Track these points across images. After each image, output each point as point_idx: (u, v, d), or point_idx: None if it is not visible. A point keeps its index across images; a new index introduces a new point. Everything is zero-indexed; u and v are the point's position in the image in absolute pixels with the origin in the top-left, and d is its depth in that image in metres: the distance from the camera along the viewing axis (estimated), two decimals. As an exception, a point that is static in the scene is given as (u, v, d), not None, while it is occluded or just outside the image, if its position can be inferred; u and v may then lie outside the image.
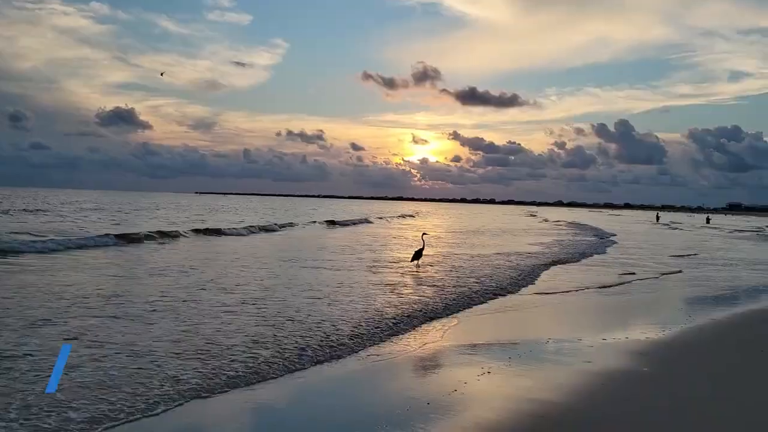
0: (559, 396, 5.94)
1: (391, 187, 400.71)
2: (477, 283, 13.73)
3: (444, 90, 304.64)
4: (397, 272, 15.24)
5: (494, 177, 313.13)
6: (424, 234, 18.94)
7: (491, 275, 15.17)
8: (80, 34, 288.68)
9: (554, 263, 18.96)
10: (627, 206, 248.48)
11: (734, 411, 5.71)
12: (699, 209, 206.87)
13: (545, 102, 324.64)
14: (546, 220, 65.40)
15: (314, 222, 41.83)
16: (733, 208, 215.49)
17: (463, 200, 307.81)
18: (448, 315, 10.09)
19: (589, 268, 18.12)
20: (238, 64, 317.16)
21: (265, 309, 9.58)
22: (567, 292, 13.30)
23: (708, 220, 75.62)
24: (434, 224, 49.96)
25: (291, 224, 37.51)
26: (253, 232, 29.91)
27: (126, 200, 79.81)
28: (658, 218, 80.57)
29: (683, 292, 14.12)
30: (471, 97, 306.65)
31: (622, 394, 6.17)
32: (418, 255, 16.63)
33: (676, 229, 54.41)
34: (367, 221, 48.78)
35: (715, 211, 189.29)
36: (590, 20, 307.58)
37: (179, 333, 7.75)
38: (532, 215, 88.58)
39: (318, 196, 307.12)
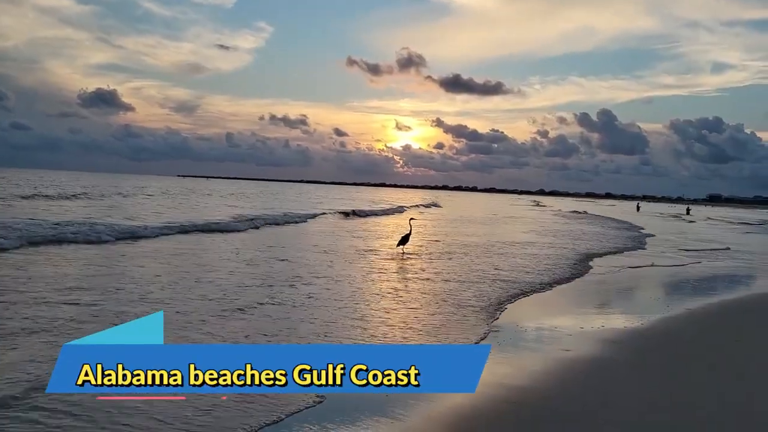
0: (535, 383, 6.13)
1: (374, 173, 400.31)
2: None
3: (428, 77, 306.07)
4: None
5: (477, 165, 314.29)
6: (411, 219, 19.07)
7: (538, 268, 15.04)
8: (62, 14, 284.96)
9: (598, 255, 18.89)
10: (608, 196, 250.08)
11: (712, 401, 5.91)
12: (679, 200, 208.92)
13: (529, 90, 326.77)
14: (559, 211, 62.88)
15: (352, 210, 39.51)
16: (713, 200, 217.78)
17: (445, 187, 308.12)
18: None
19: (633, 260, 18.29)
20: (222, 47, 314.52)
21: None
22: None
23: (688, 211, 76.38)
24: (463, 213, 49.13)
25: (331, 212, 36.74)
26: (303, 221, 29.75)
27: (120, 183, 76.29)
28: (638, 208, 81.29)
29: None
30: (455, 84, 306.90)
31: (594, 382, 6.36)
32: (404, 240, 16.62)
33: (683, 220, 53.86)
34: (400, 210, 46.69)
35: (695, 202, 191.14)
36: (575, 9, 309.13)
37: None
38: (538, 205, 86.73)
39: (301, 182, 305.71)
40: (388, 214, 40.86)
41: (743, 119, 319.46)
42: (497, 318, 9.10)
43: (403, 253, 16.53)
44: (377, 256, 15.97)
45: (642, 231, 33.07)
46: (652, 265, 16.95)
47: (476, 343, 7.60)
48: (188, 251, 15.28)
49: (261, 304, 9.14)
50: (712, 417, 5.46)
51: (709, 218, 63.04)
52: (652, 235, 29.79)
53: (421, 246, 18.99)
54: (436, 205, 65.02)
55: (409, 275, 13.00)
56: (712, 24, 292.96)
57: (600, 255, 18.94)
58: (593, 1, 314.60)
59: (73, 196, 36.04)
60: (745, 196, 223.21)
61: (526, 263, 15.64)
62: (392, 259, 15.60)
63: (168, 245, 16.19)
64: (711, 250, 23.40)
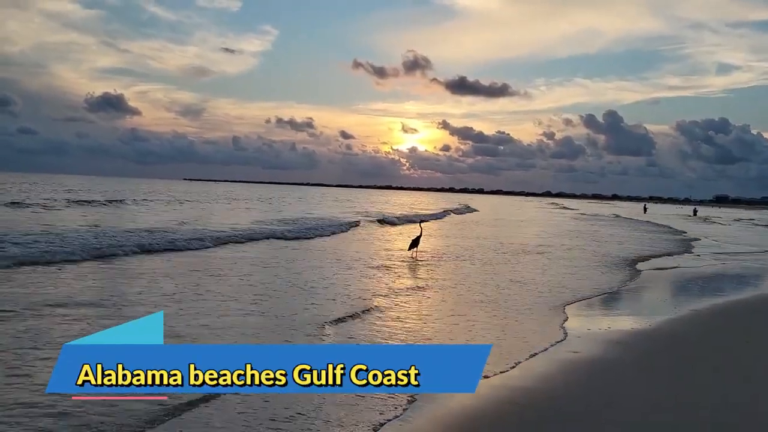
0: (540, 384, 6.13)
1: (380, 175, 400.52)
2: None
3: (434, 79, 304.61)
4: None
5: (483, 167, 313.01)
6: (421, 221, 18.97)
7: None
8: (68, 19, 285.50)
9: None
10: (615, 197, 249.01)
11: (717, 402, 5.88)
12: (686, 201, 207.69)
13: (534, 92, 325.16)
14: (584, 215, 60.36)
15: (397, 217, 37.11)
16: (720, 201, 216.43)
17: (452, 189, 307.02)
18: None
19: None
20: (227, 50, 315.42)
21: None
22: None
23: (695, 212, 76.03)
24: (499, 216, 48.82)
25: (372, 218, 35.02)
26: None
27: (143, 188, 75.45)
28: (645, 210, 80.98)
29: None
30: (461, 86, 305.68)
31: (598, 383, 6.35)
32: (415, 243, 16.41)
33: (715, 223, 53.06)
34: (441, 216, 44.63)
35: (702, 203, 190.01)
36: (579, 10, 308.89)
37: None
38: (563, 208, 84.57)
39: (307, 184, 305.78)
40: (433, 219, 39.61)
41: (749, 120, 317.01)
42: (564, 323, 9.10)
43: (415, 256, 16.28)
44: (459, 262, 16.11)
45: (685, 235, 32.30)
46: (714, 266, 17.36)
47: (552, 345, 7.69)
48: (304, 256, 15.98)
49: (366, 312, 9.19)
50: (716, 417, 5.44)
51: (735, 220, 62.49)
52: (698, 239, 29.32)
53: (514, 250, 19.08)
54: (470, 208, 63.21)
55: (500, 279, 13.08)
56: (717, 25, 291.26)
57: (646, 258, 18.96)
58: (597, 2, 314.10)
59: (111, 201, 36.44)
60: (752, 197, 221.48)
61: (583, 267, 15.82)
62: (473, 264, 15.60)
63: (269, 250, 16.84)
64: (760, 252, 23.39)
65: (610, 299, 11.50)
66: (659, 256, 19.95)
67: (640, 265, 16.79)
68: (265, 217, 29.95)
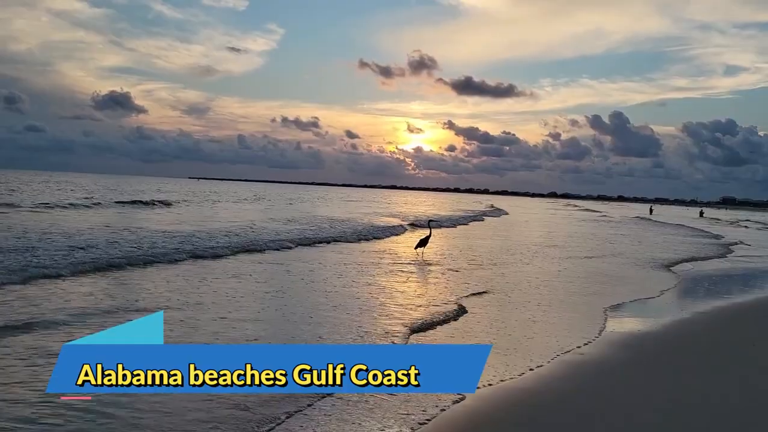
0: (539, 384, 6.11)
1: (385, 175, 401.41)
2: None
3: (440, 79, 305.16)
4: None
5: (488, 167, 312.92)
6: (431, 221, 18.90)
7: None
8: (75, 17, 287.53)
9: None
10: (620, 198, 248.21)
11: (716, 402, 5.85)
12: (693, 203, 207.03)
13: (540, 92, 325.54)
14: (605, 216, 60.60)
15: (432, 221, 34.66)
16: (727, 202, 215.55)
17: (457, 190, 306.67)
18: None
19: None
20: (233, 49, 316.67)
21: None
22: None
23: (701, 214, 75.74)
24: (531, 219, 48.70)
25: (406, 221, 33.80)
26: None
27: (159, 187, 74.15)
28: (651, 211, 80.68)
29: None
30: (466, 86, 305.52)
31: (596, 383, 6.33)
32: (423, 242, 16.36)
33: (741, 227, 51.90)
34: (480, 219, 43.17)
35: (709, 204, 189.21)
36: (586, 11, 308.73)
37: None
38: (585, 210, 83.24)
39: (312, 183, 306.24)
40: (474, 221, 39.17)
41: (756, 122, 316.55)
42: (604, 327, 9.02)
43: (421, 255, 16.13)
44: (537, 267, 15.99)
45: (722, 239, 31.38)
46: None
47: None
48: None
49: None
50: (715, 417, 5.42)
51: (758, 222, 62.27)
52: (735, 243, 28.92)
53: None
54: (501, 210, 62.14)
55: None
56: (725, 26, 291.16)
57: (692, 260, 19.07)
58: (604, 2, 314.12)
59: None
60: (759, 198, 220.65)
61: (634, 270, 15.92)
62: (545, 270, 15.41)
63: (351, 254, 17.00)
64: None
65: (657, 303, 11.33)
66: (705, 258, 20.03)
67: (686, 267, 16.96)
68: (306, 217, 29.98)
